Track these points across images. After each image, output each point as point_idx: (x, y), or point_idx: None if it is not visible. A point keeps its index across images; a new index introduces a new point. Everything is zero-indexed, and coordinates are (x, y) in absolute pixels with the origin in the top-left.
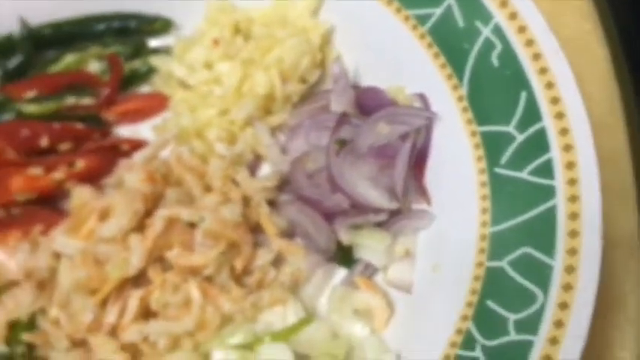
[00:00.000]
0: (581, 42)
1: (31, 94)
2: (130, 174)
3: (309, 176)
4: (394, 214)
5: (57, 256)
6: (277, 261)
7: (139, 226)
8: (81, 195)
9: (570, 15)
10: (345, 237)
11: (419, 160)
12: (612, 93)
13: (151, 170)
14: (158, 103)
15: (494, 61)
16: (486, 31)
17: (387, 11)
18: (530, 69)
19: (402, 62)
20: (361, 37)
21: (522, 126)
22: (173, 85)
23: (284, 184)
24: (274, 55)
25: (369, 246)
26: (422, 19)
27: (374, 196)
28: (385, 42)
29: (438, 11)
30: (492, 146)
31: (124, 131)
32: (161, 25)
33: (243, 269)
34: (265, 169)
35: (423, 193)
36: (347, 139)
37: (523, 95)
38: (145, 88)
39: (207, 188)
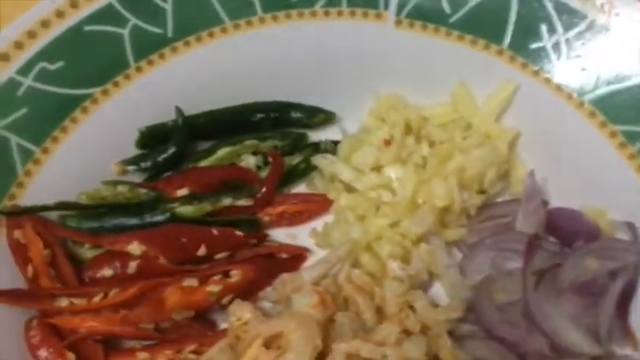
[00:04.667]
0: None
1: (183, 191)
2: (301, 297)
3: (498, 309)
4: (595, 358)
5: None
6: None
7: None
8: (241, 313)
9: None
10: None
11: (623, 297)
12: None
13: (323, 293)
14: (319, 207)
15: None
16: None
17: (588, 123)
18: None
19: (603, 182)
20: (552, 148)
21: None
22: (336, 187)
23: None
24: (456, 164)
25: None
26: (633, 137)
27: (575, 338)
28: (583, 158)
29: None
30: None
31: (279, 234)
32: (323, 118)
33: None
34: (437, 288)
35: (628, 335)
36: (543, 269)
37: None
38: (300, 187)
39: (378, 310)
